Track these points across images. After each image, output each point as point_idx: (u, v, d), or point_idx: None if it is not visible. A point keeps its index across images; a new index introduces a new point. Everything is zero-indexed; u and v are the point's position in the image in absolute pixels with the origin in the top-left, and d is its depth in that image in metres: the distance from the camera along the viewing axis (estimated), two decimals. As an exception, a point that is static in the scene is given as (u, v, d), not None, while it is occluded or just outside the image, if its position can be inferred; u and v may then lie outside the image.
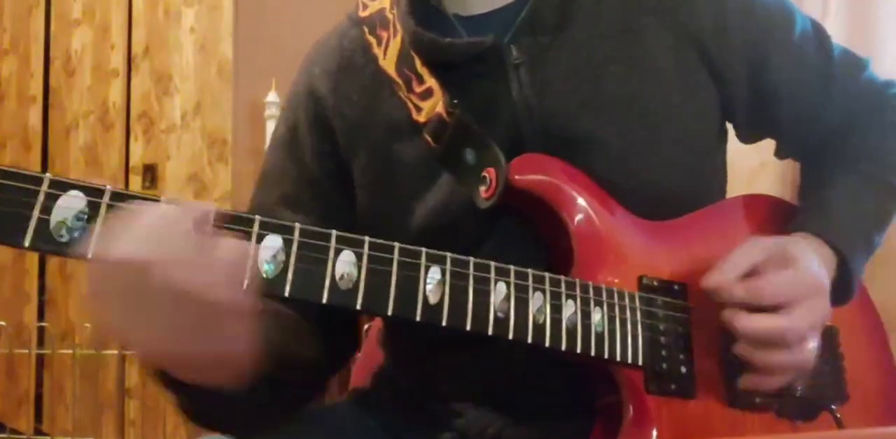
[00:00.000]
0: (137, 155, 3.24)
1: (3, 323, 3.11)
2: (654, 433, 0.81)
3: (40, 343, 3.23)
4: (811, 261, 0.85)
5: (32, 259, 3.41)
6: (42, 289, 3.42)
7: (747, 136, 1.03)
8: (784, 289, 0.82)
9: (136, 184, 3.22)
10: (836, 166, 1.00)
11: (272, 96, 2.96)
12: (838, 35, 1.88)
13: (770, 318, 0.81)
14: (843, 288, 0.91)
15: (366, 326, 1.15)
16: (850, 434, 0.81)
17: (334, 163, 0.95)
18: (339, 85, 0.96)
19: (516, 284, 0.78)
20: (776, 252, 0.84)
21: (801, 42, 0.98)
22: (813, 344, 0.83)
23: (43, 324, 3.23)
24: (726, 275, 0.82)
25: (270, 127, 2.97)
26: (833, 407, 0.91)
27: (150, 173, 3.17)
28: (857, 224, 0.94)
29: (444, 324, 0.74)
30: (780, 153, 1.08)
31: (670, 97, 0.91)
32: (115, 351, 3.10)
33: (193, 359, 0.67)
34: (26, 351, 3.18)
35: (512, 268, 0.78)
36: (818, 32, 1.01)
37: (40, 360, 3.30)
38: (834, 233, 0.91)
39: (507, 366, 0.88)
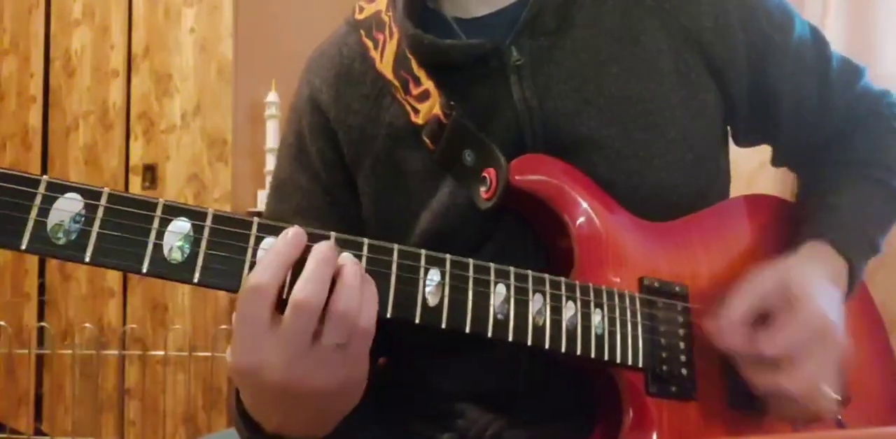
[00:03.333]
0: (137, 155, 3.24)
1: (3, 323, 3.11)
2: (655, 435, 0.81)
3: (40, 343, 3.24)
4: (819, 292, 0.83)
5: (32, 259, 3.41)
6: (42, 289, 3.42)
7: (745, 139, 1.03)
8: (790, 341, 0.80)
9: (135, 184, 3.22)
10: (839, 171, 0.99)
11: (272, 96, 2.96)
12: (838, 35, 1.89)
13: (775, 376, 0.80)
14: (846, 293, 0.91)
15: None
16: (850, 434, 0.80)
17: (342, 171, 0.95)
18: (340, 95, 0.95)
19: (516, 286, 0.77)
20: (781, 289, 0.83)
21: (800, 45, 0.98)
22: (827, 392, 0.81)
23: (43, 324, 3.23)
24: (731, 320, 0.82)
25: (270, 127, 2.97)
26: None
27: (150, 173, 3.18)
28: (864, 228, 0.94)
29: (443, 326, 0.73)
30: (775, 160, 1.07)
31: (671, 98, 0.91)
32: (115, 352, 3.10)
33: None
34: (26, 351, 3.18)
35: (512, 269, 0.78)
36: (816, 38, 1.01)
37: (40, 360, 3.30)
38: (844, 240, 0.91)
39: (507, 367, 0.88)
